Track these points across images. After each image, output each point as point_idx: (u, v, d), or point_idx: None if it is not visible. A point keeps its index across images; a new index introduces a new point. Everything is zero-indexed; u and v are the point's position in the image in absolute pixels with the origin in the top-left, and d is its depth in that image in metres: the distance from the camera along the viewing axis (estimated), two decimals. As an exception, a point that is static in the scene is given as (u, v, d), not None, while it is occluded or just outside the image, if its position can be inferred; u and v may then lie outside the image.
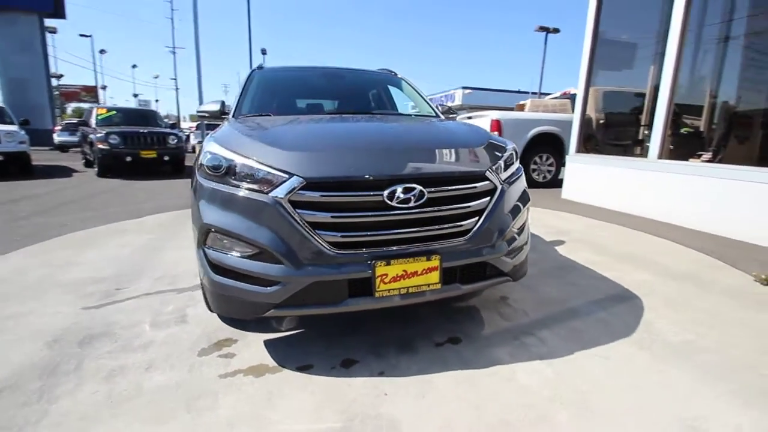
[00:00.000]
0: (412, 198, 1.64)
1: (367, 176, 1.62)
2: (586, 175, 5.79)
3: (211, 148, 1.81)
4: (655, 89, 5.58)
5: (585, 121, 6.00)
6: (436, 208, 1.70)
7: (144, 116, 10.59)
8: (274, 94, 2.95)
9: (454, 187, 1.73)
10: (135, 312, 2.37)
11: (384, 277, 1.65)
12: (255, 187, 1.63)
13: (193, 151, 15.90)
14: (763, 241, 3.66)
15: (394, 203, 1.62)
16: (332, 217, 1.60)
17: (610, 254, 3.42)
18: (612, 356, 1.89)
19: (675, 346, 1.98)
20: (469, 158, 1.88)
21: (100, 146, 8.41)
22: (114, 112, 10.16)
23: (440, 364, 1.83)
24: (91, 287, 2.74)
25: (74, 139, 17.69)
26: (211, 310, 2.24)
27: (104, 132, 8.50)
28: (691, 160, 4.52)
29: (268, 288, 1.62)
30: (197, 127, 20.99)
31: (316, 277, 1.60)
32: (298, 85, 3.11)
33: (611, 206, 5.34)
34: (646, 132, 5.59)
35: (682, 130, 5.02)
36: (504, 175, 1.92)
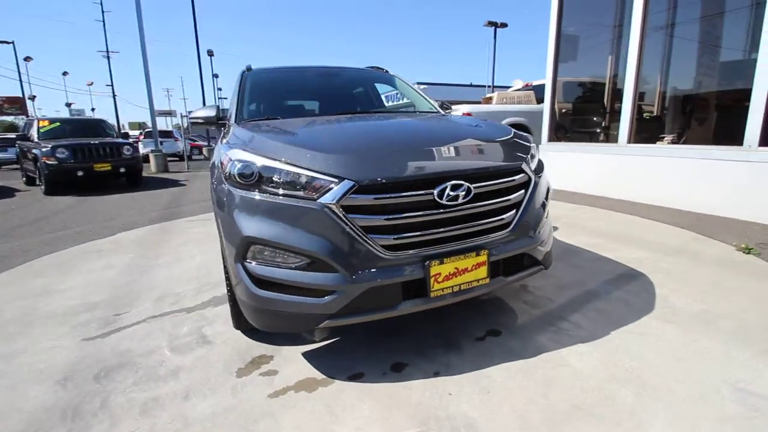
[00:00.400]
0: (461, 195, 1.63)
1: (418, 176, 1.59)
2: (559, 162, 6.06)
3: (240, 156, 1.70)
4: (614, 78, 5.96)
5: (554, 112, 6.28)
6: (481, 203, 1.70)
7: (92, 126, 9.78)
8: (275, 95, 2.82)
9: (496, 182, 1.75)
10: (147, 338, 2.18)
11: (437, 276, 1.63)
12: (300, 193, 1.55)
13: (146, 161, 14.91)
14: (729, 213, 4.02)
15: (444, 201, 1.61)
16: (385, 219, 1.55)
17: (603, 236, 3.61)
18: (645, 332, 1.99)
19: (695, 316, 2.13)
20: (504, 152, 1.90)
21: (47, 161, 7.68)
22: (58, 123, 9.28)
23: (489, 357, 1.84)
24: (84, 315, 2.50)
25: (6, 155, 16.05)
26: (236, 327, 2.13)
27: (50, 146, 7.76)
28: (658, 143, 4.87)
29: (323, 298, 1.55)
30: (144, 136, 19.70)
31: (372, 282, 1.55)
32: (298, 85, 2.99)
33: (587, 191, 5.63)
34: (596, 118, 5.95)
35: (645, 115, 5.39)
36: (532, 167, 1.96)
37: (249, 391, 1.69)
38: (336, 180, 1.52)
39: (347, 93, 3.06)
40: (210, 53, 31.20)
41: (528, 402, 1.54)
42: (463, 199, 1.64)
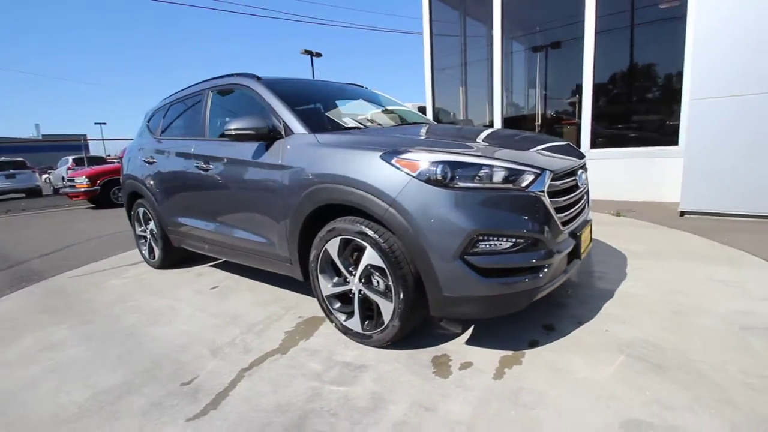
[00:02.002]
0: (585, 179, 2.16)
1: (571, 166, 2.04)
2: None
3: (438, 157, 1.76)
4: (466, 105, 7.63)
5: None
6: (586, 186, 2.28)
7: None
8: (317, 106, 2.67)
9: (586, 170, 2.36)
10: (280, 388, 1.82)
11: (582, 242, 2.10)
12: (510, 185, 1.76)
13: None
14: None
15: (579, 184, 2.11)
16: (564, 200, 1.93)
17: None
18: (640, 267, 2.94)
19: (648, 252, 3.25)
20: (577, 150, 2.53)
21: None
22: None
23: (591, 306, 2.39)
24: (132, 399, 1.82)
25: None
26: (398, 337, 2.01)
27: None
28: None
29: (540, 274, 1.79)
30: None
31: (562, 252, 1.90)
32: (330, 97, 2.88)
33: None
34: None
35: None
36: None
37: (473, 382, 1.75)
38: (539, 171, 1.81)
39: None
40: None
41: (649, 316, 2.18)
42: (584, 183, 2.18)
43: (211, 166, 2.82)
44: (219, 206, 2.84)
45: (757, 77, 3.79)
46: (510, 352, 1.96)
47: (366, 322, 2.09)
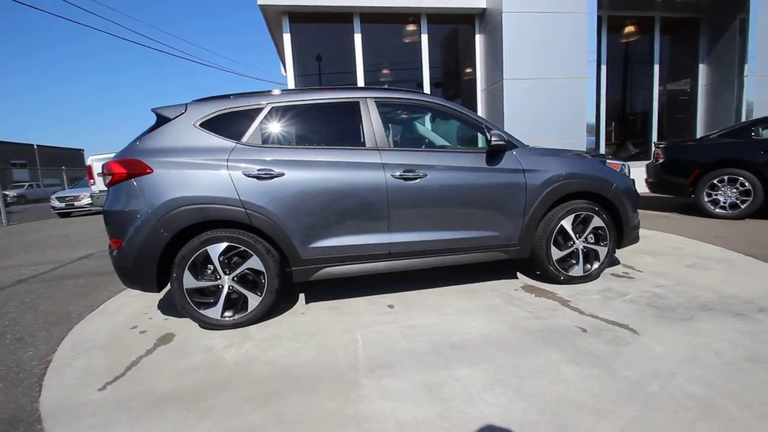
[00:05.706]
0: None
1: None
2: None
3: (620, 161, 3.39)
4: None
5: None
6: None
7: None
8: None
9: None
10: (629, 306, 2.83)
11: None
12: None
13: None
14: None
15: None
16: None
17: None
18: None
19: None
20: None
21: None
22: None
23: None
24: (595, 342, 2.31)
25: None
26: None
27: None
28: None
29: (636, 218, 3.78)
30: None
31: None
32: None
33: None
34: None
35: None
36: None
37: (644, 274, 3.46)
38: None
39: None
40: None
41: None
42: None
43: (421, 173, 2.94)
44: (435, 212, 2.98)
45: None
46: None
47: (586, 267, 3.31)
